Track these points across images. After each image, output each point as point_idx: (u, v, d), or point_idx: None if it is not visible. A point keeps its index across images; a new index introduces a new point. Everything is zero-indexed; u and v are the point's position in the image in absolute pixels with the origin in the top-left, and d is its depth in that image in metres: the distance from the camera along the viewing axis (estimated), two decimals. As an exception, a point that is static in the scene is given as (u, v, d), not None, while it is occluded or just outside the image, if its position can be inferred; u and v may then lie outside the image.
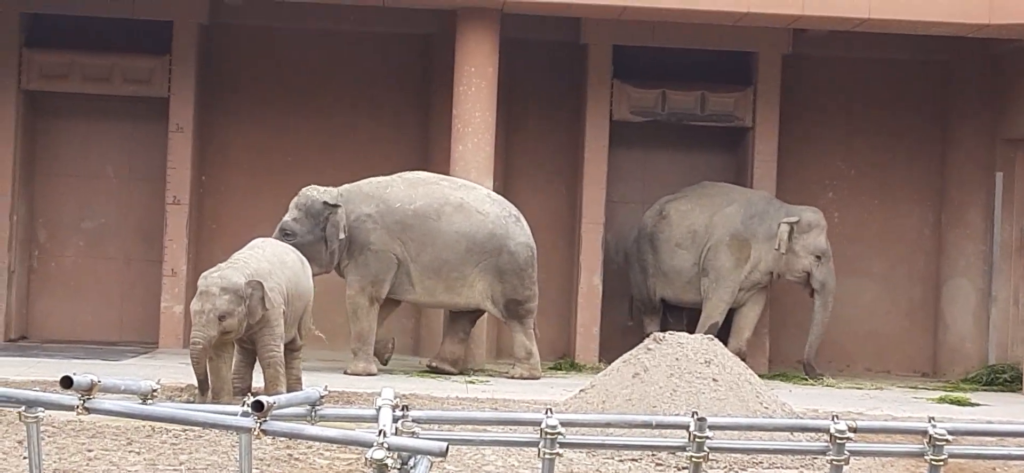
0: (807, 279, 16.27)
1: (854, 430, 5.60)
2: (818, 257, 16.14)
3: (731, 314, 16.51)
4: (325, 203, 14.42)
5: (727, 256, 16.26)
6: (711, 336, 11.34)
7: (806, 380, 15.93)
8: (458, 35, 15.77)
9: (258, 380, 11.88)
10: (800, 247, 16.11)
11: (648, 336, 15.87)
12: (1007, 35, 15.73)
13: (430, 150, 17.35)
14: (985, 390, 15.78)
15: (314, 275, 14.70)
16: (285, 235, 14.33)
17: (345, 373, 14.05)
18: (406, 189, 14.68)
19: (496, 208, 14.76)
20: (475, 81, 15.70)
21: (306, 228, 14.40)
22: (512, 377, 14.61)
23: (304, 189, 14.75)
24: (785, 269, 16.21)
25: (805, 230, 16.13)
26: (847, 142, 18.00)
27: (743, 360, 15.60)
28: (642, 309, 16.89)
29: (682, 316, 16.93)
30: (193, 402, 11.08)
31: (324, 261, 14.48)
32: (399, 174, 15.05)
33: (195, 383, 11.53)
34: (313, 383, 8.34)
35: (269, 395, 11.00)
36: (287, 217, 14.58)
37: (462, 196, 14.68)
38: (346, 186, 14.82)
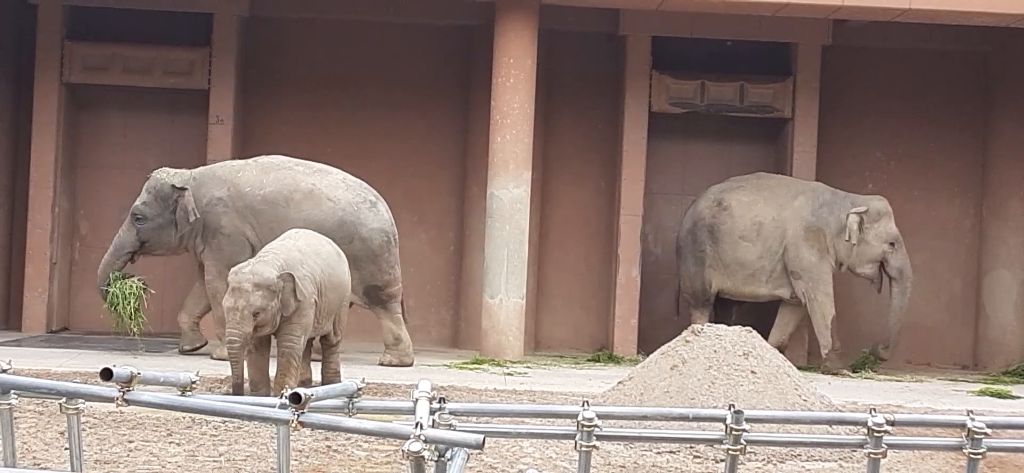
0: (879, 269, 16.10)
1: (892, 423, 5.57)
2: (892, 244, 16.01)
3: (773, 306, 16.45)
4: (173, 186, 14.24)
5: (809, 250, 16.07)
6: (750, 328, 11.27)
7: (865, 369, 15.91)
8: (497, 26, 15.78)
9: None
10: (872, 236, 15.95)
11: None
12: (1049, 25, 15.64)
13: (469, 141, 17.38)
14: (1024, 382, 15.74)
15: (159, 255, 14.73)
16: (135, 219, 14.34)
17: (212, 357, 13.91)
18: (258, 174, 14.44)
19: (349, 194, 14.42)
20: (514, 72, 15.69)
21: (155, 211, 14.29)
22: (382, 364, 14.27)
23: (155, 172, 14.64)
24: (857, 260, 16.04)
25: (875, 218, 15.96)
26: (887, 133, 17.93)
27: (783, 353, 15.64)
28: (691, 301, 16.71)
29: (732, 310, 16.78)
30: (232, 394, 11.11)
31: (172, 244, 14.42)
32: (255, 158, 14.83)
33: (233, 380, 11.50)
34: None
35: (279, 384, 11.07)
36: (137, 200, 14.48)
37: (314, 182, 14.39)
38: (199, 169, 14.68)
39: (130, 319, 14.26)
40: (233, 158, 16.74)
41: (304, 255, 11.68)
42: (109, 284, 14.43)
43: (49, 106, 16.89)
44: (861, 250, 15.98)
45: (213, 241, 14.27)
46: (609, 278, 17.40)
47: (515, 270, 15.61)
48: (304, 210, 14.17)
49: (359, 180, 14.76)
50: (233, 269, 11.42)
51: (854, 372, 15.89)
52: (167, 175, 14.43)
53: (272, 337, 11.52)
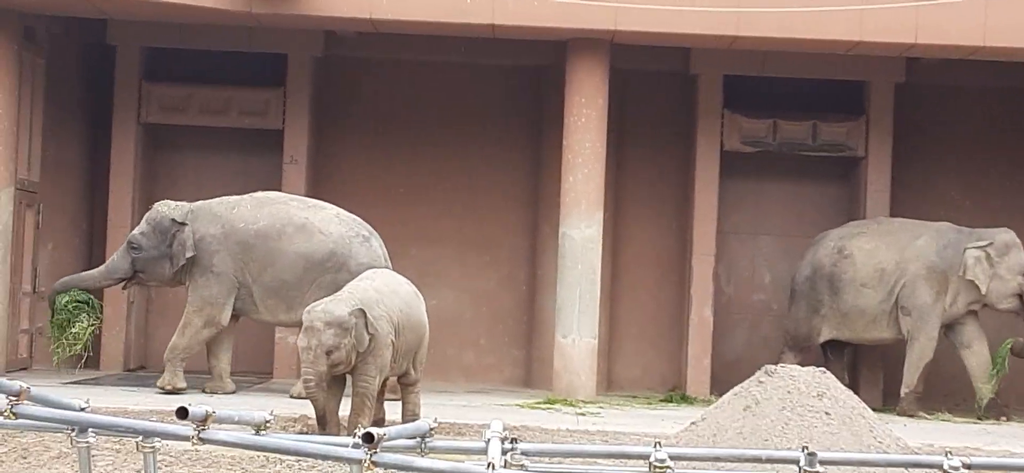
0: (1020, 302, 15.63)
1: (968, 467, 5.51)
2: None
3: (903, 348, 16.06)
4: (173, 220, 14.28)
5: (926, 290, 15.73)
6: (824, 369, 11.18)
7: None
8: (568, 65, 15.81)
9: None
10: (1004, 270, 15.53)
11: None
12: None
13: (541, 181, 17.39)
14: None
15: (150, 286, 14.85)
16: (131, 248, 14.36)
17: (156, 386, 13.96)
18: (253, 209, 14.45)
19: (341, 228, 14.40)
20: (585, 111, 15.72)
21: (152, 243, 14.31)
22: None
23: (157, 204, 14.68)
24: (995, 298, 15.58)
25: (1003, 252, 15.55)
26: (962, 172, 17.77)
27: (997, 398, 15.54)
28: (789, 343, 16.39)
29: (843, 354, 16.55)
30: (306, 433, 11.14)
31: (165, 277, 14.45)
32: (252, 194, 14.81)
33: (312, 416, 11.52)
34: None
35: (352, 423, 11.08)
36: (135, 230, 14.55)
37: (307, 216, 14.40)
38: (198, 204, 14.62)
39: (74, 336, 14.24)
40: (306, 196, 16.89)
41: (380, 295, 11.66)
42: (69, 294, 14.49)
43: (127, 146, 17.09)
44: (995, 286, 15.56)
45: (201, 278, 14.26)
46: (681, 318, 17.33)
47: (587, 309, 15.60)
48: (296, 243, 14.23)
49: (354, 216, 14.80)
50: (306, 308, 11.46)
51: (993, 365, 15.63)
52: (168, 208, 14.47)
53: (346, 376, 11.55)
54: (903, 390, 15.85)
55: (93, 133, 17.71)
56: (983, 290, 15.50)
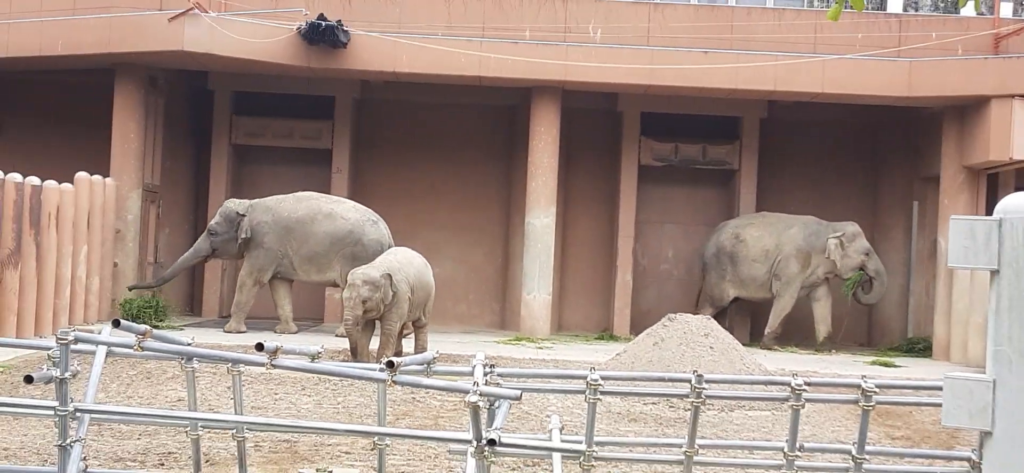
0: (861, 272, 15.65)
1: (809, 384, 5.52)
2: (866, 254, 15.67)
3: (809, 306, 16.05)
4: (237, 213, 14.23)
5: (795, 264, 15.77)
6: (709, 316, 11.21)
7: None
8: (532, 105, 15.81)
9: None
10: (851, 251, 15.61)
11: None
12: (918, 103, 15.52)
13: (512, 185, 17.39)
14: (905, 356, 15.56)
15: (223, 259, 14.83)
16: (210, 234, 14.31)
17: (224, 331, 13.80)
18: (293, 203, 14.38)
19: (356, 214, 14.36)
20: (544, 137, 15.72)
21: (224, 229, 14.21)
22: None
23: (226, 201, 14.62)
24: (844, 270, 15.63)
25: (851, 239, 15.64)
26: (809, 181, 17.84)
27: (834, 340, 15.51)
28: (710, 303, 16.24)
29: (746, 307, 16.68)
30: (347, 362, 11.15)
31: (234, 253, 14.35)
32: (294, 194, 14.71)
33: (349, 349, 11.56)
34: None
35: (380, 355, 11.11)
36: (213, 221, 14.45)
37: (332, 207, 14.37)
38: (256, 200, 14.55)
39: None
40: (348, 197, 16.85)
41: (401, 264, 11.73)
42: (161, 282, 14.75)
43: (221, 161, 17.04)
44: (845, 262, 15.63)
45: (255, 251, 14.19)
46: (610, 280, 17.38)
47: (544, 275, 15.62)
48: (324, 226, 14.18)
49: (365, 207, 14.76)
50: (351, 272, 11.47)
51: (845, 292, 15.70)
52: (234, 204, 14.41)
53: (376, 322, 11.56)
54: (767, 331, 15.92)
55: (198, 151, 17.65)
56: (838, 265, 15.59)
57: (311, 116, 17.30)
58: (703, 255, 16.64)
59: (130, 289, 14.81)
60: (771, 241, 15.96)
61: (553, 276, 15.93)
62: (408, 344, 12.23)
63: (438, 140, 17.75)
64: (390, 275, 11.26)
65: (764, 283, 16.04)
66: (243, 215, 14.20)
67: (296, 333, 14.32)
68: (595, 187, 17.71)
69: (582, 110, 17.07)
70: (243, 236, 14.12)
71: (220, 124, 17.08)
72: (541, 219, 15.64)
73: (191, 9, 14.19)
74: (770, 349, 15.44)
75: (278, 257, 14.18)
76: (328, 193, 16.63)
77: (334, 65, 14.99)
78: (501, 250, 17.73)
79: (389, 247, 14.32)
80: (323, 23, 14.64)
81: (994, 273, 3.49)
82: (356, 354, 11.33)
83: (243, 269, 14.36)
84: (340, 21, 14.79)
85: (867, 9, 15.86)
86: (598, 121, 17.50)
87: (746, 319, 16.82)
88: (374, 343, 11.70)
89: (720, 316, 15.52)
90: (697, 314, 15.71)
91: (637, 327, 14.93)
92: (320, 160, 17.27)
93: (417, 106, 17.61)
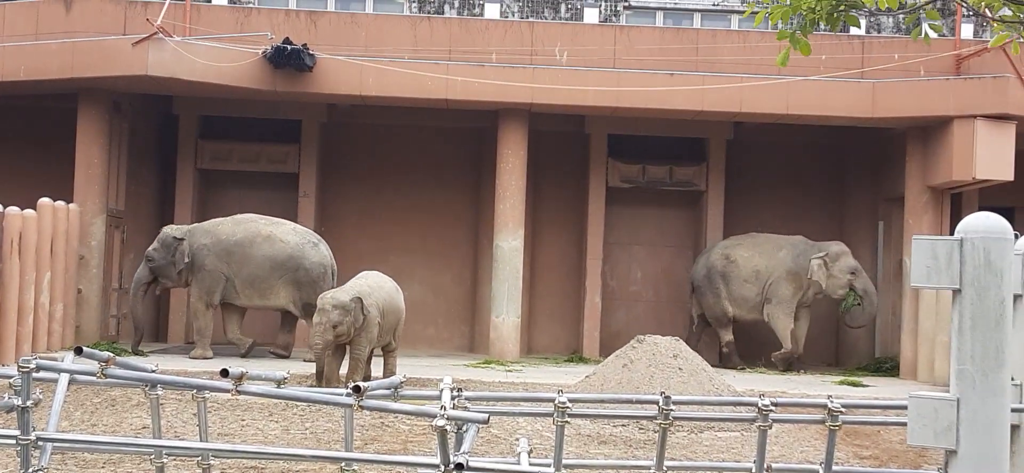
0: (850, 291, 15.54)
1: (776, 404, 5.55)
2: (853, 273, 15.51)
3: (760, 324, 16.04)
4: (174, 237, 14.14)
5: (785, 287, 15.66)
6: (678, 338, 11.23)
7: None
8: (499, 128, 15.81)
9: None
10: (837, 270, 15.49)
11: (725, 343, 15.82)
12: (882, 124, 15.64)
13: (480, 208, 17.38)
14: (872, 375, 15.64)
15: (167, 286, 14.52)
16: (148, 260, 14.18)
17: (189, 357, 13.63)
18: (232, 226, 14.27)
19: (297, 238, 14.23)
20: (512, 160, 15.73)
21: (161, 255, 14.11)
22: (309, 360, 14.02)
23: (164, 228, 14.50)
24: (831, 289, 15.53)
25: (835, 259, 15.53)
26: (774, 201, 17.92)
27: (798, 359, 15.42)
28: (715, 323, 16.11)
29: (737, 327, 16.38)
30: (313, 387, 11.08)
31: (174, 278, 14.21)
32: (231, 217, 14.61)
33: (314, 373, 11.48)
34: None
35: (348, 379, 11.06)
36: (150, 248, 14.34)
37: (271, 230, 14.24)
38: (193, 225, 14.50)
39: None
40: (315, 221, 16.79)
41: (371, 289, 11.68)
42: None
43: (187, 186, 16.94)
44: (830, 283, 15.51)
45: (199, 275, 14.05)
46: (579, 302, 17.37)
47: (513, 297, 15.60)
48: (263, 249, 14.08)
49: (305, 228, 14.66)
50: (321, 296, 11.42)
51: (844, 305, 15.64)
52: (171, 229, 14.33)
53: (346, 347, 11.50)
54: (774, 354, 15.68)
55: (163, 176, 17.52)
56: (823, 286, 15.50)
57: (277, 140, 17.23)
58: (692, 277, 16.56)
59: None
60: (762, 262, 15.89)
61: (522, 299, 15.92)
62: (377, 368, 12.17)
63: (405, 163, 17.72)
64: (360, 300, 11.22)
65: (755, 304, 15.93)
66: (180, 240, 14.10)
67: (251, 346, 14.13)
68: (563, 209, 17.72)
69: (549, 132, 17.08)
70: (184, 261, 14.00)
71: (185, 148, 16.97)
72: (509, 242, 15.63)
73: (155, 33, 14.11)
74: (740, 369, 15.37)
75: (222, 279, 14.07)
76: (295, 217, 16.59)
77: (300, 89, 14.95)
78: (470, 273, 17.70)
79: (331, 269, 14.33)
80: (289, 47, 14.60)
81: (956, 292, 3.52)
82: (323, 379, 11.26)
83: (193, 296, 14.26)
84: (306, 45, 14.76)
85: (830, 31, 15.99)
86: (565, 143, 17.51)
87: (714, 341, 16.83)
88: (344, 367, 11.63)
89: (691, 338, 15.49)
90: (695, 336, 15.85)
91: (607, 349, 14.91)
92: (287, 184, 17.19)
93: (384, 129, 17.57)
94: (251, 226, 14.28)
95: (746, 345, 16.40)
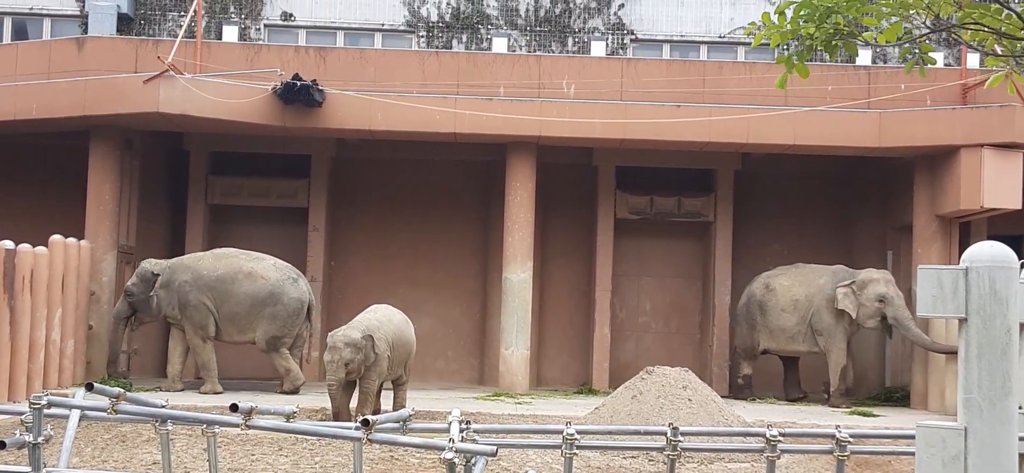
0: (881, 319, 15.16)
1: (784, 435, 5.54)
2: (881, 300, 15.09)
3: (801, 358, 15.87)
4: (152, 272, 14.15)
5: (828, 316, 15.34)
6: (687, 369, 11.19)
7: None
8: (508, 160, 15.85)
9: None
10: (865, 299, 15.13)
11: (742, 376, 15.68)
12: (889, 154, 15.65)
13: (489, 240, 17.39)
14: (883, 405, 15.54)
15: (146, 322, 14.45)
16: (126, 295, 14.19)
17: (199, 393, 13.59)
18: (213, 261, 14.31)
19: (277, 274, 14.25)
20: (520, 192, 15.75)
21: (140, 290, 14.13)
22: (282, 391, 13.93)
23: (143, 262, 14.47)
24: (862, 319, 15.17)
25: (862, 287, 15.16)
26: (782, 231, 17.91)
27: (849, 391, 15.22)
28: (742, 355, 16.00)
29: (779, 361, 16.20)
30: (325, 421, 11.06)
31: (152, 313, 14.20)
32: (212, 250, 14.66)
33: (329, 409, 11.45)
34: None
35: (359, 414, 11.04)
36: (129, 282, 14.34)
37: (252, 266, 14.25)
38: (173, 260, 14.50)
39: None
40: (325, 255, 16.82)
41: (381, 323, 11.68)
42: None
43: (198, 221, 16.97)
44: (862, 312, 15.15)
45: (186, 311, 14.06)
46: (588, 334, 17.33)
47: (522, 330, 15.58)
48: (245, 287, 14.11)
49: (286, 263, 14.69)
50: (330, 333, 11.43)
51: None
52: (150, 264, 14.32)
53: (356, 382, 11.50)
54: (831, 389, 15.39)
55: (173, 212, 17.57)
56: (855, 315, 15.19)
57: (287, 175, 17.28)
58: (736, 309, 16.41)
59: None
60: (801, 291, 15.62)
61: (531, 331, 15.90)
62: (387, 401, 12.16)
63: (414, 197, 17.75)
64: (371, 336, 11.25)
65: (794, 335, 15.63)
66: (158, 275, 14.14)
67: (182, 391, 14.01)
68: (572, 241, 17.72)
69: (557, 165, 17.10)
70: (158, 295, 14.01)
71: (196, 184, 17.03)
72: (518, 274, 15.63)
73: (166, 71, 14.21)
74: (838, 407, 14.83)
75: (208, 312, 14.08)
76: (305, 251, 16.62)
77: (310, 124, 15.02)
78: (479, 306, 17.68)
79: (309, 304, 14.35)
80: (298, 82, 14.68)
81: (962, 321, 3.52)
82: (340, 414, 11.25)
83: (187, 334, 14.24)
84: (315, 80, 14.84)
85: (837, 62, 16.05)
86: (573, 175, 17.53)
87: (724, 371, 16.77)
88: (354, 401, 11.63)
89: (733, 368, 15.35)
90: (735, 367, 15.78)
91: (616, 381, 14.87)
92: (297, 219, 17.23)
93: (393, 163, 17.62)
94: (232, 262, 14.32)
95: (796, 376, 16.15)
